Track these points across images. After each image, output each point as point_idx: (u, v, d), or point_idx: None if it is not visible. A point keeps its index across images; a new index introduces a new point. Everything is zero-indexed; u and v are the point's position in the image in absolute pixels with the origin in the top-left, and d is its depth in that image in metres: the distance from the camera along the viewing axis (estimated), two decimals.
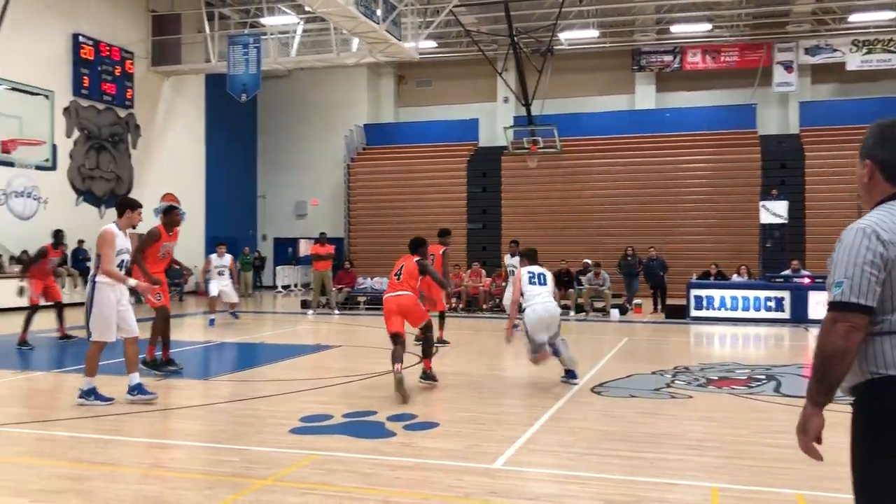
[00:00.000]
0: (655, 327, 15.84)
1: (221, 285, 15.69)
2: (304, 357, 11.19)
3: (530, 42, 24.86)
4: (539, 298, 8.48)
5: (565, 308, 18.04)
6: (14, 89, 12.01)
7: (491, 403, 7.54)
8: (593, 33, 26.06)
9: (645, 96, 28.24)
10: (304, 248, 29.40)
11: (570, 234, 25.26)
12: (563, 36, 25.57)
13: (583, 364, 9.04)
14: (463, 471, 5.14)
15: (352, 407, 7.20)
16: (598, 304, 18.12)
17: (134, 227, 7.47)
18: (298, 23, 23.62)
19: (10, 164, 12.01)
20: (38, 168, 12.16)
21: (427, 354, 8.42)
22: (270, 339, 13.56)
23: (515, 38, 22.56)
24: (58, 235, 12.41)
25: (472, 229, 27.00)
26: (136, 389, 7.28)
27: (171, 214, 9.25)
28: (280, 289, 27.16)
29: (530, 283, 8.60)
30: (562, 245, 23.62)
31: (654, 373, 9.34)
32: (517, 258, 12.88)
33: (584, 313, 17.72)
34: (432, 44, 26.49)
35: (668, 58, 27.47)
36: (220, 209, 27.24)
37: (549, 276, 8.84)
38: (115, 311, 7.06)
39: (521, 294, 8.62)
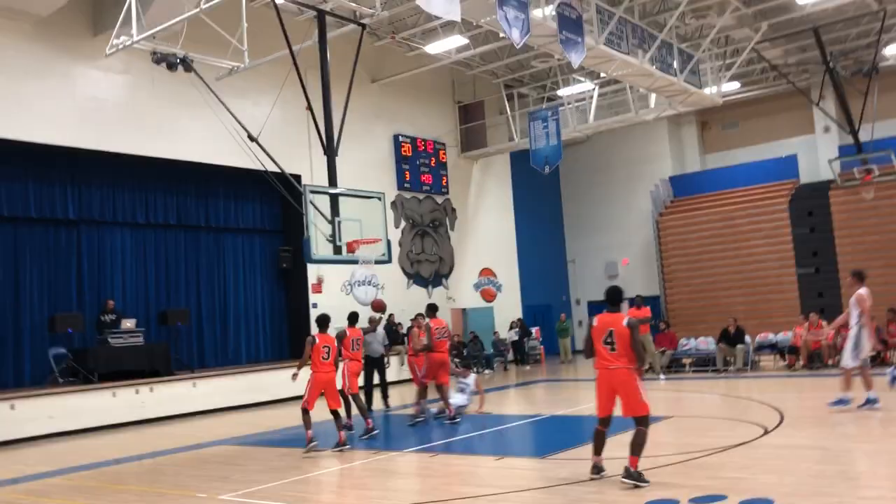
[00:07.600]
0: None
1: None
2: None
3: (848, 64, 22.54)
4: None
5: None
6: (352, 195, 13.56)
7: (860, 485, 6.58)
8: None
9: None
10: None
11: None
12: (889, 51, 22.79)
13: None
14: None
15: (698, 490, 6.71)
16: None
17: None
18: (593, 88, 23.92)
19: (354, 262, 13.51)
20: (377, 262, 13.55)
21: (634, 451, 7.16)
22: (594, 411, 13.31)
23: (830, 63, 20.54)
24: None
25: (803, 274, 24.62)
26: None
27: (324, 325, 10.91)
28: None
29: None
30: None
31: None
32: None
33: None
34: (735, 85, 25.16)
35: None
36: (533, 278, 28.03)
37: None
38: None
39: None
